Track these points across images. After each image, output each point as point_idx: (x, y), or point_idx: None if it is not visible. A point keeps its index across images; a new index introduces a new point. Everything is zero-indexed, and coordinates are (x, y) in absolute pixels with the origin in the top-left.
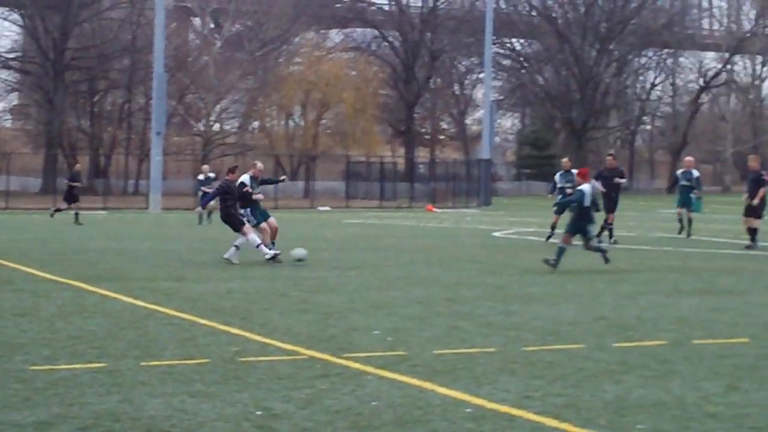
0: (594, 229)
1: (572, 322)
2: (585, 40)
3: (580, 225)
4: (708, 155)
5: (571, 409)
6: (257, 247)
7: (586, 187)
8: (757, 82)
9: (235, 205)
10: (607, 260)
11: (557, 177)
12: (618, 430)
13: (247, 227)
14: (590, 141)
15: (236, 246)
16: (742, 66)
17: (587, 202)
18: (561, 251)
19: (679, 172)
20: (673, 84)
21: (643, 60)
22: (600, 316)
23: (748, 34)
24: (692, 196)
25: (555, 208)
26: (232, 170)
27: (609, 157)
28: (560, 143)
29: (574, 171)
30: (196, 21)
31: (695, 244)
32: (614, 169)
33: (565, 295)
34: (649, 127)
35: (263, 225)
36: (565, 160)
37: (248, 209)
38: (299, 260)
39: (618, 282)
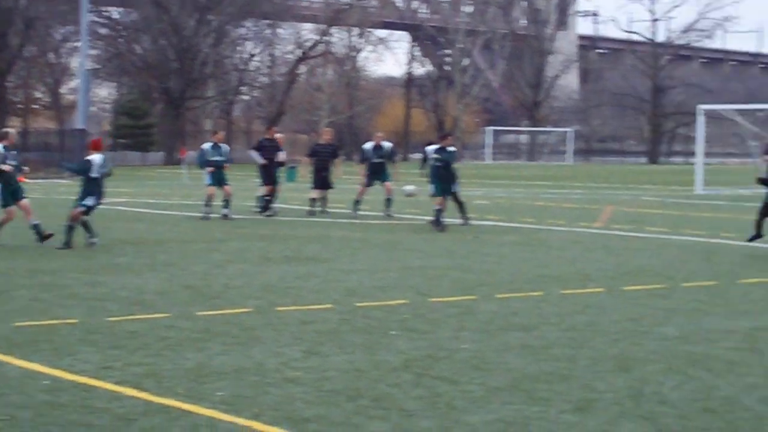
0: (93, 201)
1: (159, 292)
2: (183, 9)
3: (81, 195)
4: (305, 125)
5: (151, 378)
6: None
7: (95, 158)
8: (353, 54)
9: None
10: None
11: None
12: (197, 398)
13: None
14: (188, 111)
15: None
16: (338, 38)
17: (94, 173)
18: (70, 229)
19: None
20: (271, 55)
21: (242, 30)
22: (188, 285)
23: (345, 6)
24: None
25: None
26: None
27: (271, 129)
28: (158, 113)
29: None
30: None
31: (286, 212)
32: (272, 139)
33: (154, 264)
34: (247, 97)
35: (11, 207)
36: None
37: None
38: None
39: (209, 251)
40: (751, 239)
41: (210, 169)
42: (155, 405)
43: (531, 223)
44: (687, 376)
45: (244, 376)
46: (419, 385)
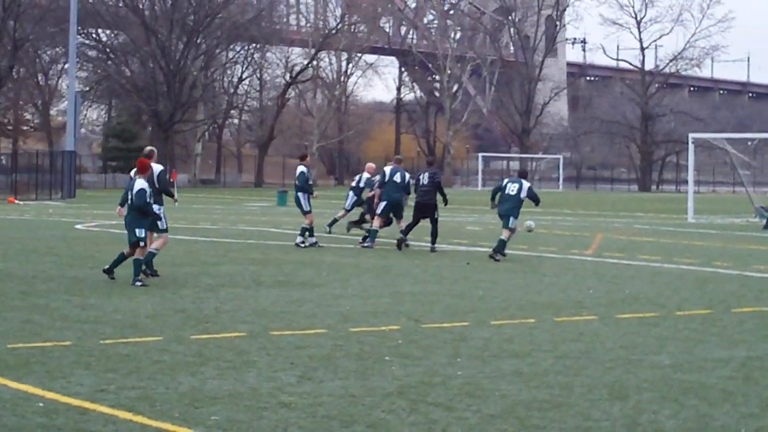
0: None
1: (151, 315)
2: (172, 32)
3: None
4: (295, 149)
5: (146, 401)
6: None
7: (142, 183)
8: (342, 78)
9: None
10: None
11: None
12: (192, 422)
13: None
14: (177, 134)
15: None
16: (328, 62)
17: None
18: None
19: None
20: (260, 78)
21: (231, 54)
22: (179, 308)
23: (333, 31)
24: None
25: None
26: None
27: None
28: (148, 136)
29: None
30: None
31: (277, 236)
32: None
33: (144, 287)
34: (236, 120)
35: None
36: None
37: None
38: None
39: (200, 275)
40: None
41: (315, 194)
42: (151, 429)
43: (523, 250)
44: (682, 405)
45: (238, 400)
46: (414, 412)
